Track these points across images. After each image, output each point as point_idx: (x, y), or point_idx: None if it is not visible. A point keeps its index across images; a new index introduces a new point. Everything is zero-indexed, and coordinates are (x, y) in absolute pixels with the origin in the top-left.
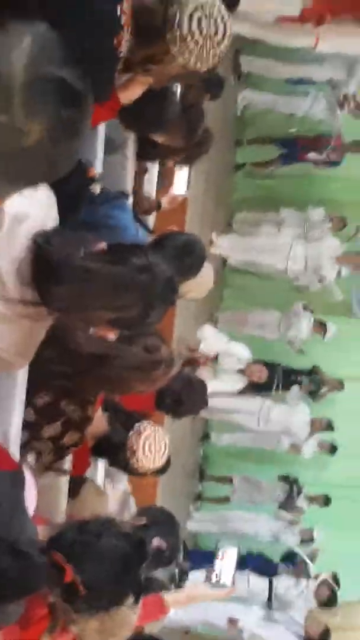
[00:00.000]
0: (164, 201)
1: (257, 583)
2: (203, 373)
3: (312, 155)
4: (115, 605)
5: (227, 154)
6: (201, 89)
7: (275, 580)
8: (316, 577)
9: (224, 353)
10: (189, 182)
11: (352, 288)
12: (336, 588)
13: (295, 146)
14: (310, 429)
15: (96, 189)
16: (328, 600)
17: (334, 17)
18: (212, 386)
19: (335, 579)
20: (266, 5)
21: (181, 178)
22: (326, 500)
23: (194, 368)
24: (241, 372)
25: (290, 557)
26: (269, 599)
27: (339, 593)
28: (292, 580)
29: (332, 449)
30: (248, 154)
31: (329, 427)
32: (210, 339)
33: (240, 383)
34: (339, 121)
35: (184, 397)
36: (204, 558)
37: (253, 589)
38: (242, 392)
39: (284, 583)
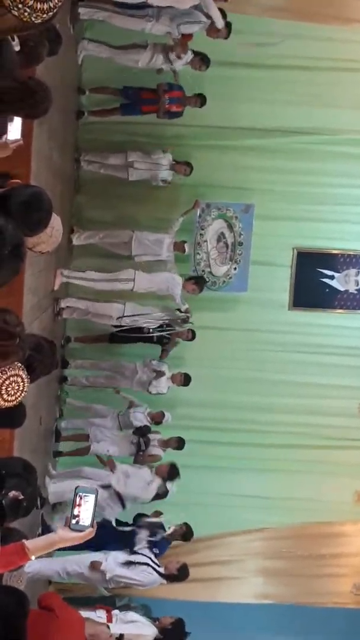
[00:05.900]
0: None
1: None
2: None
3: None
4: None
5: (70, 102)
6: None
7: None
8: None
9: None
10: (22, 128)
11: None
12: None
13: (138, 98)
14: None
15: None
16: (184, 534)
17: None
18: None
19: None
20: None
21: (14, 125)
22: (179, 443)
23: None
24: None
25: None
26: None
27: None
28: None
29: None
30: (91, 101)
31: (187, 381)
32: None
33: None
34: (178, 74)
35: (35, 364)
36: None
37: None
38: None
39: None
